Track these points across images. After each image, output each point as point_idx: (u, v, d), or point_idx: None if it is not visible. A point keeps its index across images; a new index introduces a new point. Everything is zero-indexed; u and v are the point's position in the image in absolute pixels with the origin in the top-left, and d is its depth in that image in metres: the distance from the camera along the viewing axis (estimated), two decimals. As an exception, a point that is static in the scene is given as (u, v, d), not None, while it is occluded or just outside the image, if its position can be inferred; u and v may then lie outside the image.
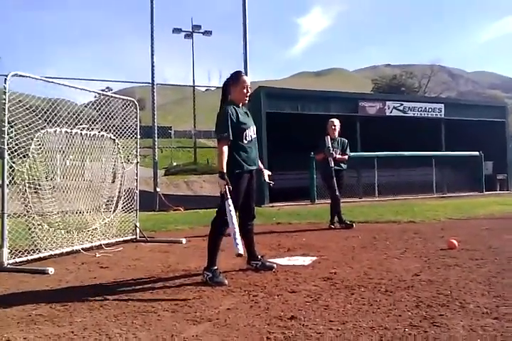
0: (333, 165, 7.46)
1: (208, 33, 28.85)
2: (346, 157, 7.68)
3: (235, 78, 4.25)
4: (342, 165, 7.70)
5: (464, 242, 5.49)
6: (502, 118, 18.03)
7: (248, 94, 4.26)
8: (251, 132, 4.21)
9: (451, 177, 16.96)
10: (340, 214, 7.53)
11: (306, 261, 4.78)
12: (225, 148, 3.96)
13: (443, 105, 17.11)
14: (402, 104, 16.36)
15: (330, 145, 7.43)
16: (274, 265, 4.44)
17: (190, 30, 29.37)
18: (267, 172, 4.53)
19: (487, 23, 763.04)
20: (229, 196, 3.86)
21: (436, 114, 16.85)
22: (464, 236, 6.13)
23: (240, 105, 4.24)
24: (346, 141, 7.76)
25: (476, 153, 16.38)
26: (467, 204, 11.41)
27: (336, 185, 7.47)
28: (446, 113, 16.91)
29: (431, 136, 16.64)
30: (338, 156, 7.54)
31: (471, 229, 6.86)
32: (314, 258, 4.91)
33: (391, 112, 16.09)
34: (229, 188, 3.88)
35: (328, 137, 7.50)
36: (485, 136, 16.90)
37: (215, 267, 3.97)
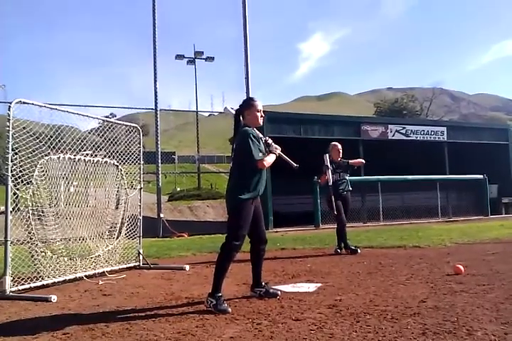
0: (331, 182, 7.43)
1: (210, 58, 29.09)
2: (362, 160, 7.80)
3: (249, 103, 4.37)
4: (347, 186, 7.69)
5: (470, 267, 5.43)
6: (505, 140, 18.07)
7: (262, 118, 4.36)
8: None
9: (456, 201, 16.93)
10: (346, 239, 7.47)
11: (311, 287, 4.72)
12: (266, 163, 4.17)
13: (445, 128, 17.21)
14: (404, 128, 16.45)
15: (328, 164, 7.43)
16: (279, 292, 4.39)
17: (193, 56, 29.65)
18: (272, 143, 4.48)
19: (487, 46, 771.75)
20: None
21: (439, 137, 16.92)
22: (470, 261, 6.08)
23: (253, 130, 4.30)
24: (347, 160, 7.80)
25: (481, 176, 16.36)
26: (473, 229, 11.33)
27: (341, 207, 7.45)
28: (449, 136, 16.99)
29: (434, 159, 16.68)
30: (356, 161, 7.64)
31: (477, 254, 6.79)
32: (319, 284, 4.86)
33: (394, 136, 16.17)
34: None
35: (327, 155, 7.50)
36: (489, 159, 16.92)
37: (220, 293, 3.93)
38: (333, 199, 7.40)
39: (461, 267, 5.19)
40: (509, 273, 5.08)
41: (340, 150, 7.71)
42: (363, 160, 7.86)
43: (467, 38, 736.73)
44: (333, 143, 7.80)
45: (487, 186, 16.64)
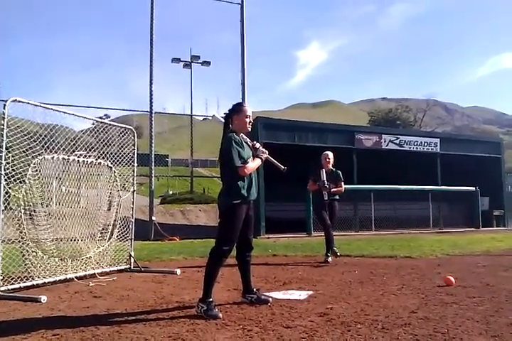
0: (327, 198, 7.46)
1: (206, 63, 29.08)
2: (342, 189, 7.68)
3: (238, 108, 4.36)
4: (333, 195, 7.68)
5: (460, 279, 5.45)
6: (498, 154, 18.20)
7: (250, 124, 4.34)
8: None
9: (447, 212, 17.02)
10: (333, 243, 7.43)
11: (302, 295, 4.72)
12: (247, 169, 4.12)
13: (439, 140, 17.31)
14: (398, 138, 16.53)
15: (325, 179, 7.45)
16: (270, 299, 4.38)
17: (189, 60, 29.64)
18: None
19: (483, 59, 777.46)
20: None
21: (432, 149, 17.01)
22: (461, 272, 6.10)
23: (240, 135, 4.30)
24: (339, 172, 7.80)
25: (473, 188, 16.46)
26: (464, 240, 11.39)
27: (326, 215, 7.46)
28: (442, 147, 17.09)
29: (427, 170, 16.76)
30: (334, 190, 7.54)
31: (468, 266, 6.82)
32: (310, 292, 4.86)
33: (387, 145, 16.24)
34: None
35: (324, 170, 7.53)
36: (481, 172, 17.03)
37: (211, 299, 3.92)
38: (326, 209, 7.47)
39: (452, 279, 5.21)
40: (499, 286, 5.11)
41: (328, 160, 7.70)
42: (342, 189, 7.79)
43: (463, 50, 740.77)
44: (325, 152, 7.83)
45: (479, 198, 16.75)
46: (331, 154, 7.78)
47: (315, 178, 7.59)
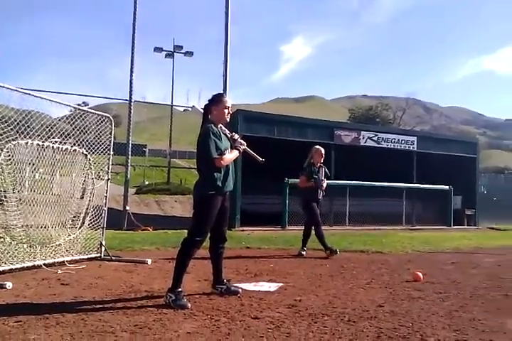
0: (321, 196, 7.51)
1: (189, 53, 28.91)
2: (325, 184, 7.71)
3: (217, 99, 4.35)
4: (322, 192, 7.70)
5: (429, 275, 5.54)
6: (473, 154, 18.42)
7: (229, 115, 4.33)
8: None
9: (420, 210, 17.18)
10: (324, 239, 7.43)
11: (272, 287, 4.74)
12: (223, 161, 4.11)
13: (416, 138, 17.44)
14: (376, 135, 16.61)
15: (323, 177, 7.48)
16: (240, 290, 4.40)
17: (172, 50, 29.40)
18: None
19: (464, 60, 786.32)
20: None
21: (408, 147, 17.15)
22: (430, 269, 6.19)
23: (219, 126, 4.28)
24: (325, 168, 7.80)
25: (446, 187, 16.67)
26: (435, 238, 11.55)
27: (318, 212, 7.48)
28: (419, 146, 17.23)
29: (403, 167, 16.89)
30: (324, 185, 7.58)
31: (437, 263, 6.94)
32: (280, 284, 4.88)
33: (365, 142, 16.31)
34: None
35: (323, 169, 7.55)
36: (455, 171, 17.23)
37: (180, 289, 3.91)
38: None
39: (420, 274, 5.29)
40: (466, 283, 5.20)
41: (323, 155, 7.70)
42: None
43: (445, 50, 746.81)
44: (317, 146, 7.76)
45: (452, 197, 16.98)
46: (323, 150, 7.73)
47: (309, 175, 7.55)
